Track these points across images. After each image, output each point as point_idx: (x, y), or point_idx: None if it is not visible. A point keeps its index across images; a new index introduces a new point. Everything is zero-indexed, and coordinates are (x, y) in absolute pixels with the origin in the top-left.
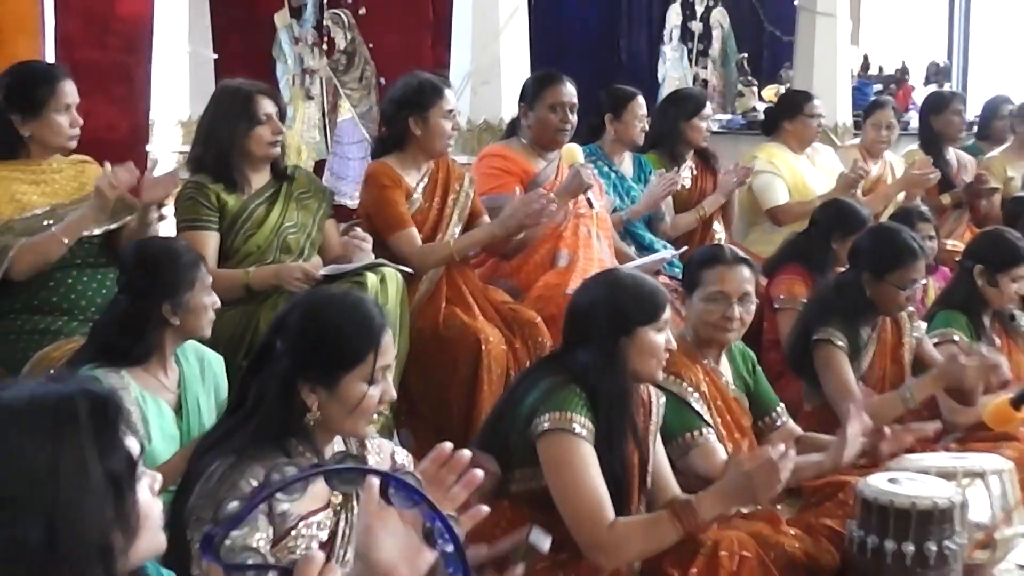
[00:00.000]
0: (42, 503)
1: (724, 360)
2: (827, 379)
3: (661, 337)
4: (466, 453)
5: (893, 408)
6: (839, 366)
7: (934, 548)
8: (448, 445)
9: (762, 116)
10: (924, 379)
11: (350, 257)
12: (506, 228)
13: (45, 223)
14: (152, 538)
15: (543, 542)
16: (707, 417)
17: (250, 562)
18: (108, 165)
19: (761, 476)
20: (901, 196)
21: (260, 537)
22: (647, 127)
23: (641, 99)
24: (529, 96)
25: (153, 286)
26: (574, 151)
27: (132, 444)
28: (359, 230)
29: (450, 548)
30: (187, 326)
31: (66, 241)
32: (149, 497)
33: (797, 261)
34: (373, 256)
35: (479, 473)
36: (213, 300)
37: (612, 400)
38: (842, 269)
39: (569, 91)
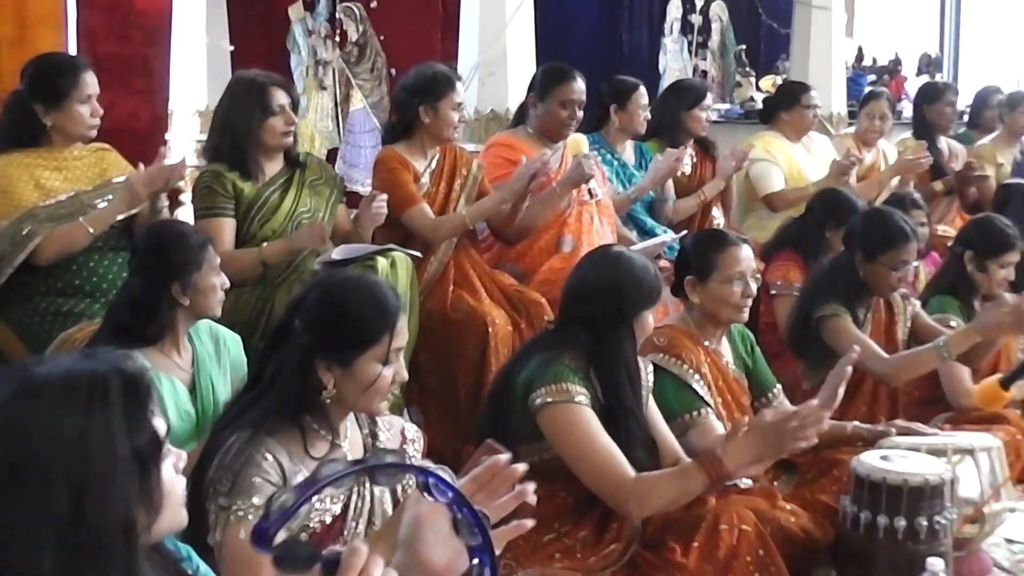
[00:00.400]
0: (71, 476)
1: (724, 342)
2: (846, 348)
3: (651, 316)
4: (520, 467)
5: (930, 361)
6: (853, 333)
7: (925, 523)
8: (504, 457)
9: (760, 106)
10: (960, 331)
11: (373, 217)
12: (512, 191)
13: (68, 210)
14: (174, 514)
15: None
16: (707, 398)
17: (299, 552)
18: (142, 167)
19: (790, 427)
20: (895, 183)
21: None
22: (649, 116)
23: (643, 89)
24: (540, 89)
25: (163, 268)
26: (579, 142)
27: (159, 423)
28: (372, 191)
29: (478, 541)
30: (197, 306)
31: (92, 231)
32: (173, 475)
33: (792, 247)
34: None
35: (530, 489)
36: (222, 281)
37: (621, 376)
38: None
39: (580, 88)
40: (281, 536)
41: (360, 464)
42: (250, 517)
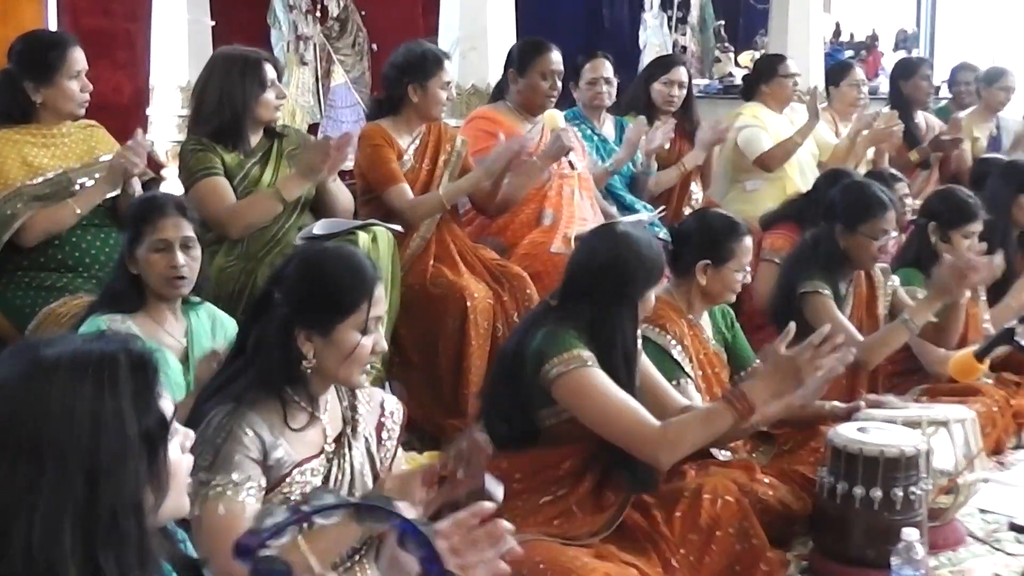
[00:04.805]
0: (85, 457)
1: (705, 316)
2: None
3: (653, 295)
4: (506, 524)
5: (898, 337)
6: (831, 312)
7: (900, 493)
8: (490, 506)
9: (739, 81)
10: (920, 302)
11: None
12: (490, 172)
13: (55, 188)
14: (177, 498)
15: (497, 491)
16: (688, 369)
17: (275, 568)
18: (127, 149)
19: (805, 357)
20: (871, 154)
21: (252, 486)
22: (604, 90)
23: (596, 63)
24: (519, 63)
25: (134, 229)
26: (555, 116)
27: (166, 404)
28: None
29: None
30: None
31: (79, 211)
32: (179, 455)
33: (792, 220)
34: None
35: (512, 543)
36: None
37: (618, 354)
38: None
39: (558, 59)
40: (263, 551)
41: (352, 504)
42: (228, 493)
